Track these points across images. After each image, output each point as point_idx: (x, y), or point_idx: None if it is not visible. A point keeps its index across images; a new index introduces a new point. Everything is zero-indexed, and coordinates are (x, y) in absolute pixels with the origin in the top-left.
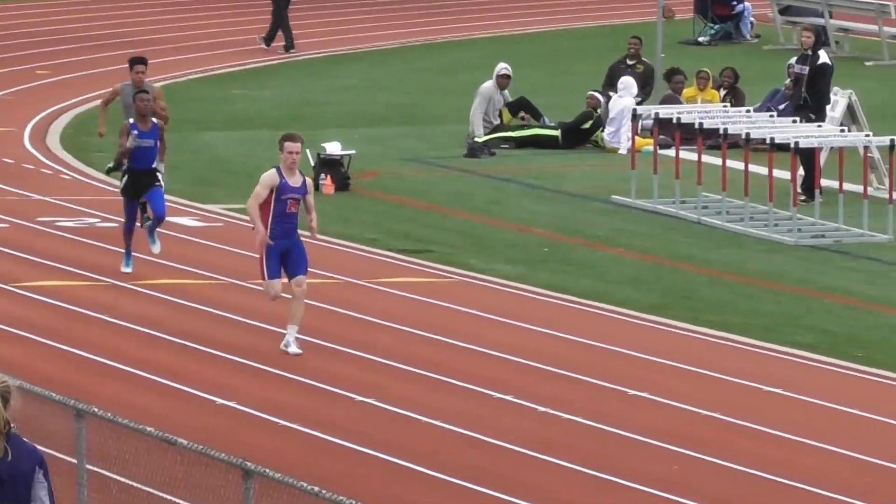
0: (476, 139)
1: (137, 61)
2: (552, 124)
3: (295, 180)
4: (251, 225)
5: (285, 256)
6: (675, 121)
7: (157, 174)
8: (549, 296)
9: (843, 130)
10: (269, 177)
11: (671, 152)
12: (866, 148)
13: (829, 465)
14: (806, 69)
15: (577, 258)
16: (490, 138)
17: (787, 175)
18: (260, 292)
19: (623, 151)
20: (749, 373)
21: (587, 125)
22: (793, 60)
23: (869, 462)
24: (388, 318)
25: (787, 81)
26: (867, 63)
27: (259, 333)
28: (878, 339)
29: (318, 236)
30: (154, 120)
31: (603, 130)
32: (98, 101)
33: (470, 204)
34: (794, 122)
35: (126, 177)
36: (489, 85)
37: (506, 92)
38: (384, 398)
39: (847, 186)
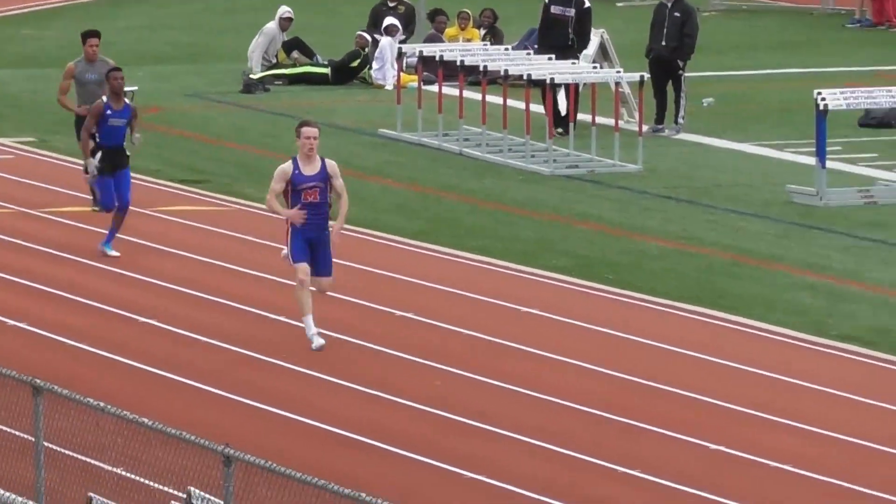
0: (252, 76)
1: (91, 34)
2: (323, 62)
3: (312, 168)
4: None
5: (313, 250)
6: (437, 58)
7: (127, 154)
8: None
9: (595, 67)
10: (281, 171)
11: (434, 88)
12: (617, 83)
13: (581, 381)
14: (570, 11)
15: (347, 188)
16: (264, 75)
17: (543, 109)
18: (48, 221)
19: (389, 87)
20: (508, 294)
21: (355, 63)
22: (547, 1)
23: (617, 377)
24: (170, 244)
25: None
26: (619, 4)
27: (50, 260)
28: (628, 262)
29: (340, 231)
30: (127, 100)
31: (370, 68)
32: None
33: (246, 137)
34: (550, 59)
35: (99, 156)
36: (272, 26)
37: (285, 34)
38: (166, 319)
39: (599, 120)
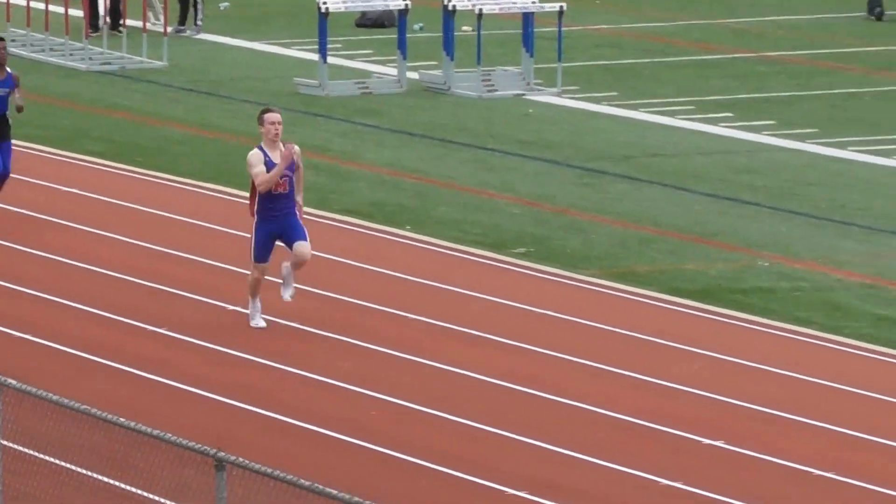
0: None
1: None
2: None
3: (278, 155)
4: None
5: (281, 236)
6: None
7: (10, 124)
8: None
9: None
10: (256, 155)
11: None
12: None
13: (112, 250)
14: None
15: None
16: None
17: (80, 13)
18: None
19: None
20: (48, 175)
21: None
22: None
23: (144, 247)
24: None
25: None
26: None
27: None
28: (155, 146)
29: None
30: (9, 70)
31: None
32: None
33: None
34: None
35: None
36: None
37: None
38: None
39: (129, 22)
